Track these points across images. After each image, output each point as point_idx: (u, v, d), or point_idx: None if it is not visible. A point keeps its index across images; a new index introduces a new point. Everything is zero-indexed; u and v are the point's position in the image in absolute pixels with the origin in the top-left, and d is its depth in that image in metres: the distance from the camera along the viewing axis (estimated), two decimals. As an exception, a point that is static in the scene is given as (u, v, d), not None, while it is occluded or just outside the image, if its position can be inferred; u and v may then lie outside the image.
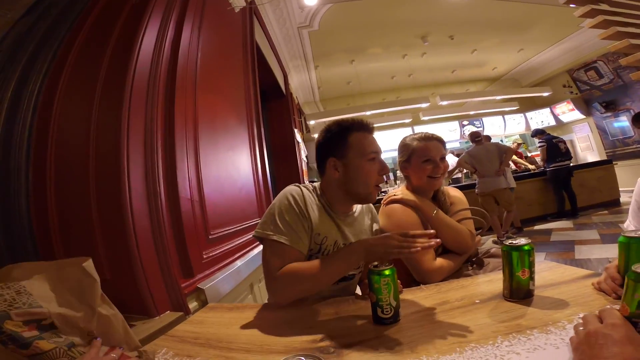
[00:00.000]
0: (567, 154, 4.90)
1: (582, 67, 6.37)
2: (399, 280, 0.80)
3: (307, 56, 5.25)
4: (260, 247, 0.92)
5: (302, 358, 0.55)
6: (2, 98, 1.27)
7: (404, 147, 1.25)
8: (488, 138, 4.81)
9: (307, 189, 0.97)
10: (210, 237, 1.34)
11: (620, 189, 5.35)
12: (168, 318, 0.94)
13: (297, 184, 0.98)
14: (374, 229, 1.11)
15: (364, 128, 0.95)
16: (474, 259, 1.19)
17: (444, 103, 6.36)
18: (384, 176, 0.97)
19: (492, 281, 0.90)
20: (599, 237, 3.63)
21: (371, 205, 1.14)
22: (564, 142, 4.99)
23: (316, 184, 1.02)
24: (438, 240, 0.77)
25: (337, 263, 0.84)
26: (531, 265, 0.74)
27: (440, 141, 1.23)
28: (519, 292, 0.75)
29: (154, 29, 1.32)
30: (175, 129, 1.29)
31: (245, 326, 0.80)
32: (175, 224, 1.16)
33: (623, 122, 6.17)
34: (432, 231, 0.81)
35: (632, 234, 0.67)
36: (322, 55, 5.35)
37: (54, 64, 1.32)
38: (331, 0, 3.92)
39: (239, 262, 1.49)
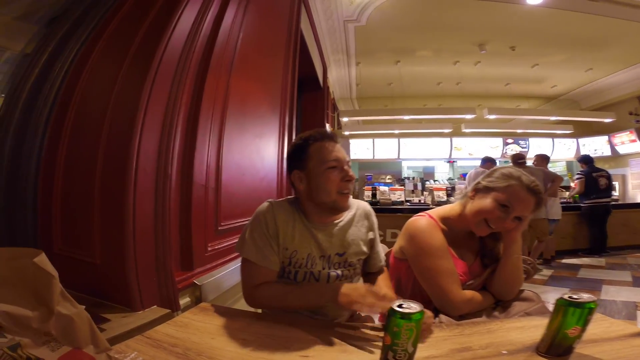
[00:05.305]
0: (606, 191, 4.38)
1: (657, 94, 5.71)
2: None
3: (349, 51, 5.08)
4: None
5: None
6: (37, 60, 1.28)
7: (501, 175, 0.99)
8: (544, 159, 4.24)
9: (280, 204, 0.95)
10: (219, 228, 1.27)
11: (666, 235, 4.77)
12: (152, 314, 0.87)
13: (270, 200, 0.96)
14: (368, 238, 1.02)
15: (324, 136, 0.95)
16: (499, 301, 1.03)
17: (491, 117, 5.94)
18: (349, 184, 0.93)
19: (524, 328, 0.77)
20: (631, 279, 3.30)
21: (369, 211, 1.05)
22: (606, 177, 4.44)
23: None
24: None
25: (306, 299, 0.88)
26: (586, 324, 0.62)
27: (538, 203, 0.98)
28: (559, 348, 0.63)
29: (197, 3, 1.26)
30: (200, 111, 1.22)
31: (233, 339, 0.71)
32: (183, 212, 1.09)
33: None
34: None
35: None
36: (365, 52, 5.16)
37: (93, 32, 1.31)
38: (384, -5, 3.74)
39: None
